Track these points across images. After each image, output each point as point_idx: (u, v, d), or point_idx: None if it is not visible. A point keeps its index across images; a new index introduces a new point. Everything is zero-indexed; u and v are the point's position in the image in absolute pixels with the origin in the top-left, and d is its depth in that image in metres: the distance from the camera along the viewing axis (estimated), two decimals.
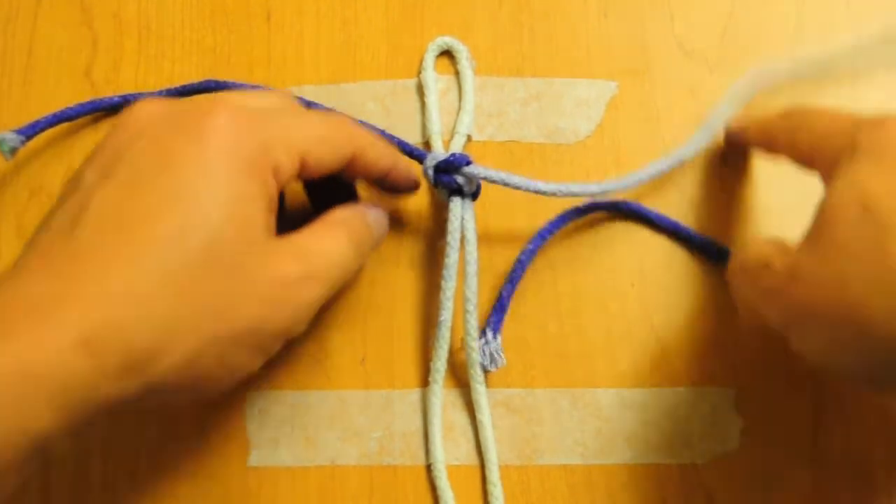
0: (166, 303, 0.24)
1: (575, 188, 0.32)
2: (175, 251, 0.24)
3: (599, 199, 0.34)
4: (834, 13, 0.38)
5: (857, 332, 0.25)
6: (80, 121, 0.37)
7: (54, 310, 0.23)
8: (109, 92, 0.37)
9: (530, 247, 0.34)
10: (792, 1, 0.38)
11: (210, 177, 0.25)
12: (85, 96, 0.37)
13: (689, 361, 0.33)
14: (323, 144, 0.28)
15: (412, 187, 0.33)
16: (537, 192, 0.32)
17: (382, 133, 0.35)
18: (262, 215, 0.26)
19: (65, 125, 0.37)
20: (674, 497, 0.32)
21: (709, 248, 0.34)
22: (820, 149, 0.28)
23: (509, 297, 0.33)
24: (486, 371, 0.33)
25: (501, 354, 0.33)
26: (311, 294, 0.27)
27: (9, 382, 0.22)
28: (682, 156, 0.34)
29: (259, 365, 0.27)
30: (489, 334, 0.33)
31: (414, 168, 0.33)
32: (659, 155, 0.36)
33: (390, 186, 0.32)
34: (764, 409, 0.33)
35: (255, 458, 0.33)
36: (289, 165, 0.27)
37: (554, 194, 0.32)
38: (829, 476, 0.32)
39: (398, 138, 0.35)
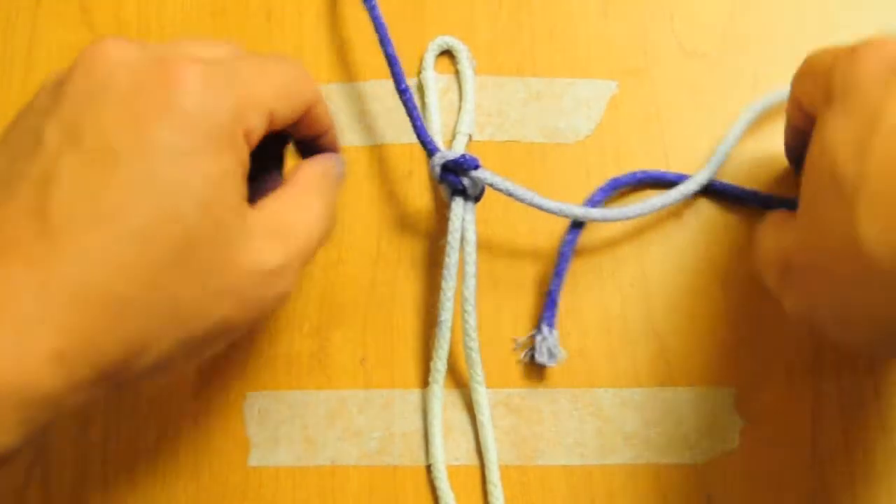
0: (143, 307, 0.23)
1: (578, 210, 0.32)
2: (150, 250, 0.23)
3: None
4: (834, 13, 0.38)
5: (848, 325, 0.24)
6: None
7: (31, 315, 0.21)
8: None
9: (569, 237, 0.34)
10: (792, 1, 0.38)
11: (185, 161, 0.23)
12: None
13: (689, 361, 0.33)
14: (287, 98, 0.27)
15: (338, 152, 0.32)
16: (539, 208, 0.32)
17: (410, 99, 0.34)
18: (237, 198, 0.25)
19: None
20: (674, 497, 0.32)
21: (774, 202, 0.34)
22: (815, 93, 0.26)
23: (558, 290, 0.33)
24: (545, 367, 0.33)
25: (560, 348, 0.33)
26: (286, 286, 0.26)
27: None
28: (688, 190, 0.34)
29: (215, 353, 0.27)
30: (545, 329, 0.33)
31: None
32: (659, 155, 0.36)
33: (322, 148, 0.31)
34: (764, 409, 0.33)
35: (255, 458, 0.33)
36: (260, 127, 0.26)
37: (554, 213, 0.32)
38: (829, 476, 0.32)
39: (420, 121, 0.34)
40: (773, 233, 0.29)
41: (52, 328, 0.21)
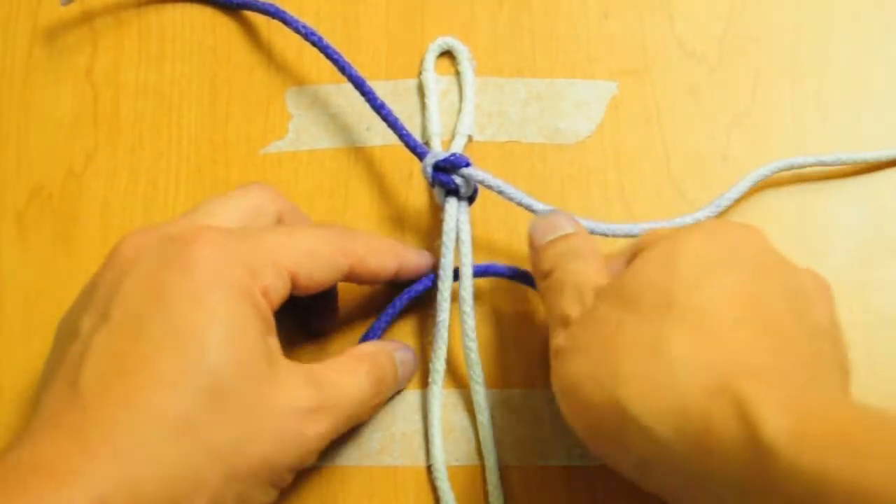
0: (179, 451, 0.24)
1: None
2: (179, 395, 0.24)
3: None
4: (834, 14, 0.38)
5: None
6: (80, 122, 0.37)
7: (66, 472, 0.22)
8: (109, 92, 0.37)
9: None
10: (792, 1, 0.38)
11: (202, 310, 0.25)
12: (85, 96, 0.37)
13: None
14: (314, 260, 0.28)
15: (426, 274, 0.33)
16: (528, 208, 0.32)
17: (389, 114, 0.34)
18: (260, 341, 0.26)
19: (65, 126, 0.37)
20: None
21: None
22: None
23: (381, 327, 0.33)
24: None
25: None
26: (323, 427, 0.27)
27: None
28: (684, 222, 0.34)
29: (274, 498, 0.27)
30: None
31: (424, 255, 0.33)
32: (659, 156, 0.36)
33: (403, 281, 0.33)
34: None
35: None
36: (279, 285, 0.27)
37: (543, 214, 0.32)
38: None
39: (404, 129, 0.34)
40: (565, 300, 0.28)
41: (89, 479, 0.22)
